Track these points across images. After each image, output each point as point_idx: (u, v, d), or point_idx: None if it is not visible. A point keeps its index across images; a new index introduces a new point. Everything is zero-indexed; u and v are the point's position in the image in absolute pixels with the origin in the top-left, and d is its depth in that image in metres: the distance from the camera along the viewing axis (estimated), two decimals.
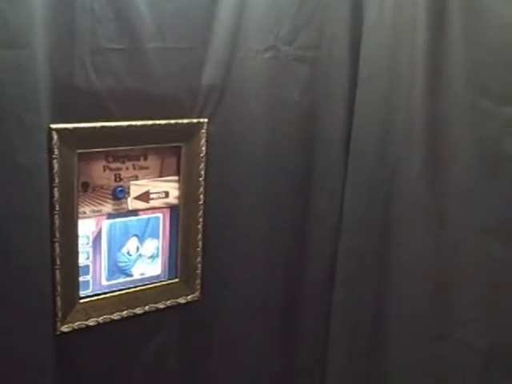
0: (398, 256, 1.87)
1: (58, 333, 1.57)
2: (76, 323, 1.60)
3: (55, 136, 1.44)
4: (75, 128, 1.48)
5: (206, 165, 1.74)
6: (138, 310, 1.72)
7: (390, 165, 1.86)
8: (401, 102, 1.81)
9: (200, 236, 1.78)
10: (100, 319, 1.65)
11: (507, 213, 1.65)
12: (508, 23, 1.58)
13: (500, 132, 1.63)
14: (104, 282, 1.67)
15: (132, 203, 1.66)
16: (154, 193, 1.69)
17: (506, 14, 1.58)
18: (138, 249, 1.71)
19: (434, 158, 1.75)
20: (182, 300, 1.80)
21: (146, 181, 1.67)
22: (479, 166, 1.67)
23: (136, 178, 1.65)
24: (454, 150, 1.71)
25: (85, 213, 1.59)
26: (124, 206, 1.65)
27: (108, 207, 1.63)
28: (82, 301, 1.62)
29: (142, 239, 1.71)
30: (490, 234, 1.67)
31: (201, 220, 1.77)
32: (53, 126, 1.44)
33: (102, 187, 1.60)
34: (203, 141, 1.71)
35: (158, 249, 1.75)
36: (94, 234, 1.62)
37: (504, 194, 1.64)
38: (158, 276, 1.77)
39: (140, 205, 1.68)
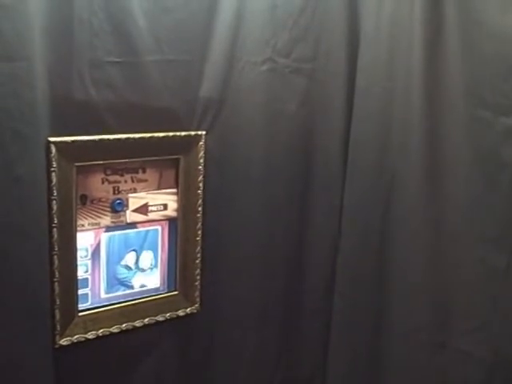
0: (396, 267, 1.87)
1: (57, 346, 1.57)
2: (75, 336, 1.60)
3: (53, 149, 1.45)
4: (73, 141, 1.48)
5: (204, 177, 1.74)
6: (137, 323, 1.72)
7: (387, 176, 1.86)
8: (398, 112, 1.81)
9: (199, 248, 1.78)
10: (99, 332, 1.64)
11: (506, 222, 1.65)
12: (504, 34, 1.59)
13: (498, 142, 1.64)
14: (103, 295, 1.67)
15: (130, 216, 1.66)
16: (152, 205, 1.70)
17: (502, 25, 1.59)
18: (136, 262, 1.70)
19: (431, 169, 1.75)
20: (181, 312, 1.80)
21: (144, 193, 1.68)
22: (478, 176, 1.67)
23: (134, 190, 1.66)
24: (452, 161, 1.72)
25: (83, 225, 1.59)
26: (122, 218, 1.65)
27: (106, 220, 1.63)
28: (80, 314, 1.62)
29: (140, 252, 1.71)
30: (489, 243, 1.67)
31: (199, 232, 1.77)
32: (51, 139, 1.44)
33: (100, 200, 1.60)
34: (201, 153, 1.72)
35: (156, 261, 1.75)
36: (93, 247, 1.62)
37: (503, 204, 1.65)
38: (157, 289, 1.77)
39: (139, 217, 1.68)
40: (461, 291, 1.76)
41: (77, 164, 1.51)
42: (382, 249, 1.90)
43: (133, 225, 1.68)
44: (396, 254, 1.86)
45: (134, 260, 1.70)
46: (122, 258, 1.67)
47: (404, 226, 1.83)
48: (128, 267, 1.69)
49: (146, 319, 1.74)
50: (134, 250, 1.69)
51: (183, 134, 1.67)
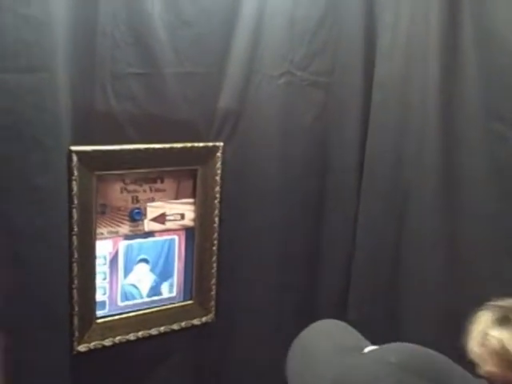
0: (410, 281, 1.88)
1: (75, 352, 1.59)
2: (92, 343, 1.62)
3: (75, 158, 1.48)
4: (94, 150, 1.51)
5: (221, 187, 1.76)
6: (153, 331, 1.74)
7: (402, 188, 1.87)
8: (413, 126, 1.83)
9: (215, 258, 1.80)
10: (116, 339, 1.67)
11: None
12: None
13: None
14: (120, 303, 1.69)
15: (148, 225, 1.69)
16: (170, 215, 1.72)
17: None
18: (153, 270, 1.73)
19: (446, 182, 1.76)
20: (196, 321, 1.82)
21: (162, 203, 1.70)
22: (493, 189, 1.68)
23: (153, 200, 1.68)
24: (468, 174, 1.72)
25: (102, 234, 1.61)
26: (140, 227, 1.68)
27: (125, 228, 1.65)
28: (98, 321, 1.64)
29: (157, 261, 1.73)
30: (504, 256, 1.67)
31: (216, 242, 1.79)
32: (73, 148, 1.47)
33: (119, 209, 1.63)
34: (219, 164, 1.74)
35: (173, 270, 1.77)
36: (111, 255, 1.65)
37: None
38: (173, 298, 1.79)
39: (156, 226, 1.71)
40: (475, 305, 1.76)
41: (97, 173, 1.54)
42: (397, 261, 1.90)
43: (150, 234, 1.70)
44: (411, 266, 1.86)
45: (151, 268, 1.72)
46: (139, 266, 1.70)
47: (419, 238, 1.83)
48: (145, 275, 1.71)
49: (162, 327, 1.75)
50: (151, 258, 1.71)
51: (201, 144, 1.70)
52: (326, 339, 0.96)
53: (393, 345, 0.91)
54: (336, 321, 1.06)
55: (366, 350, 0.91)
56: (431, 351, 0.87)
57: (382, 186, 1.91)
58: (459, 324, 1.78)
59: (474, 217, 1.72)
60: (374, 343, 1.96)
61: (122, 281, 1.68)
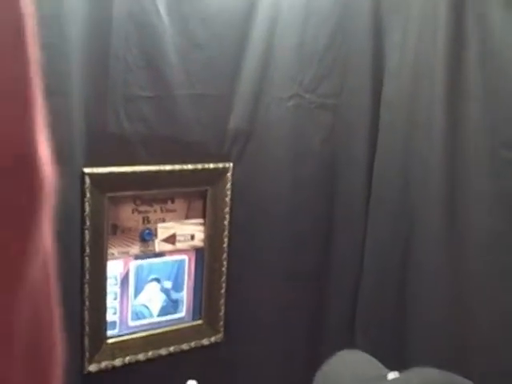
0: (417, 305, 1.87)
1: (86, 372, 1.60)
2: (103, 363, 1.63)
3: (87, 180, 1.50)
4: (107, 172, 1.53)
5: (230, 208, 1.78)
6: (163, 351, 1.75)
7: (409, 212, 1.87)
8: (420, 149, 1.83)
9: (224, 278, 1.81)
10: (126, 359, 1.68)
11: None
12: None
13: None
14: (130, 323, 1.70)
15: (159, 245, 1.70)
16: (180, 235, 1.73)
17: None
18: (163, 290, 1.74)
19: (452, 207, 1.76)
20: (205, 341, 1.82)
21: (172, 223, 1.71)
22: (500, 215, 1.68)
23: (163, 220, 1.70)
24: (474, 199, 1.72)
25: (113, 254, 1.63)
26: (151, 247, 1.69)
27: (135, 249, 1.66)
28: (108, 341, 1.65)
29: (167, 281, 1.74)
30: (510, 281, 1.68)
31: (225, 262, 1.80)
32: (85, 170, 1.49)
33: (130, 229, 1.64)
34: (228, 185, 1.76)
35: (183, 290, 1.78)
36: (122, 275, 1.66)
37: None
38: (182, 317, 1.80)
39: (166, 247, 1.72)
40: (482, 330, 1.76)
41: (109, 194, 1.56)
42: (404, 286, 1.89)
43: (161, 254, 1.71)
44: (417, 291, 1.85)
45: (160, 288, 1.73)
46: (149, 287, 1.71)
47: (425, 263, 1.82)
48: (155, 295, 1.72)
49: (171, 347, 1.76)
50: (161, 277, 1.73)
51: (211, 166, 1.72)
52: (349, 370, 0.97)
53: (415, 370, 0.92)
54: (357, 351, 1.08)
55: (389, 377, 0.92)
56: (454, 375, 0.88)
57: (389, 210, 1.91)
58: (465, 349, 1.80)
59: (480, 243, 1.72)
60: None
61: (132, 301, 1.69)
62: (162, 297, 1.74)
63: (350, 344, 1.98)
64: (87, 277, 1.55)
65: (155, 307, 1.74)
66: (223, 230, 1.78)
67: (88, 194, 1.50)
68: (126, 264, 1.66)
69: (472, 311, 1.76)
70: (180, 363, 1.79)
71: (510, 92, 1.65)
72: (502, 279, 1.70)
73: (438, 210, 1.78)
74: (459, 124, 1.75)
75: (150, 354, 1.72)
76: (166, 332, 1.76)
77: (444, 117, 1.76)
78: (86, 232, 1.52)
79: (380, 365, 1.05)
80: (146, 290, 1.71)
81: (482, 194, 1.71)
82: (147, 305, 1.72)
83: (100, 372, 1.63)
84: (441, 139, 1.77)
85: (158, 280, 1.72)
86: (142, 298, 1.70)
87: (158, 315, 1.75)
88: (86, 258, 1.53)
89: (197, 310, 1.81)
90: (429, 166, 1.81)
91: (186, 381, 1.80)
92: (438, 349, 1.82)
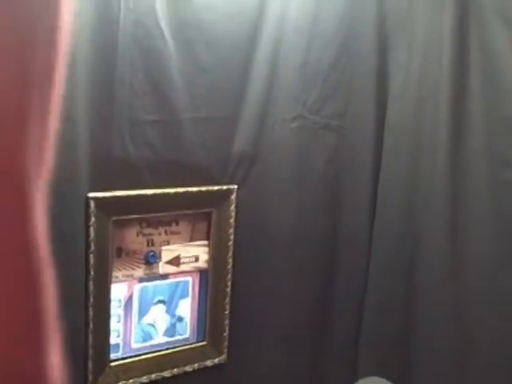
0: (421, 322, 1.88)
1: None
2: None
3: (92, 204, 1.50)
4: (111, 196, 1.53)
5: (235, 230, 1.78)
6: (166, 373, 1.74)
7: (412, 234, 1.87)
8: (423, 171, 1.83)
9: (228, 299, 1.81)
10: (129, 382, 1.67)
11: None
12: None
13: None
14: (133, 345, 1.70)
15: (163, 267, 1.70)
16: (184, 257, 1.73)
17: None
18: (167, 312, 1.74)
19: (455, 228, 1.76)
20: (209, 363, 1.82)
21: (177, 245, 1.71)
22: (502, 236, 1.68)
23: (168, 242, 1.70)
24: (476, 220, 1.73)
25: (117, 277, 1.63)
26: (155, 270, 1.69)
27: (140, 272, 1.66)
28: (112, 364, 1.65)
29: (171, 303, 1.74)
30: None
31: (229, 284, 1.80)
32: (90, 194, 1.49)
33: (134, 252, 1.64)
34: (233, 206, 1.76)
35: (187, 312, 1.77)
36: (126, 298, 1.66)
37: None
38: (186, 339, 1.79)
39: (171, 269, 1.72)
40: (486, 349, 1.76)
41: (114, 218, 1.56)
42: (407, 308, 1.89)
43: (165, 276, 1.71)
44: (421, 312, 1.86)
45: (164, 310, 1.73)
46: (153, 309, 1.71)
47: (429, 284, 1.83)
48: (159, 317, 1.72)
49: (175, 369, 1.76)
50: (165, 300, 1.72)
51: (216, 188, 1.72)
52: None
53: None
54: (379, 378, 1.08)
55: None
56: None
57: (392, 232, 1.91)
58: (470, 372, 1.80)
59: (482, 263, 1.73)
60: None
61: (136, 323, 1.69)
62: (167, 318, 1.74)
63: (353, 368, 1.98)
64: (91, 300, 1.54)
65: (160, 329, 1.73)
66: (227, 252, 1.78)
67: (93, 218, 1.50)
68: (129, 287, 1.66)
69: (476, 332, 1.77)
70: None
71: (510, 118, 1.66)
72: (504, 296, 1.70)
73: (442, 232, 1.78)
74: (462, 145, 1.75)
75: (153, 376, 1.72)
76: (170, 354, 1.76)
77: (448, 138, 1.76)
78: (91, 256, 1.52)
79: None
80: (152, 312, 1.70)
81: (484, 215, 1.71)
82: (152, 326, 1.71)
83: None
84: (444, 161, 1.77)
85: (163, 302, 1.72)
86: (147, 319, 1.70)
87: (163, 337, 1.74)
88: (91, 282, 1.53)
89: (201, 331, 1.81)
90: (433, 187, 1.81)
91: None
92: (442, 365, 1.82)
